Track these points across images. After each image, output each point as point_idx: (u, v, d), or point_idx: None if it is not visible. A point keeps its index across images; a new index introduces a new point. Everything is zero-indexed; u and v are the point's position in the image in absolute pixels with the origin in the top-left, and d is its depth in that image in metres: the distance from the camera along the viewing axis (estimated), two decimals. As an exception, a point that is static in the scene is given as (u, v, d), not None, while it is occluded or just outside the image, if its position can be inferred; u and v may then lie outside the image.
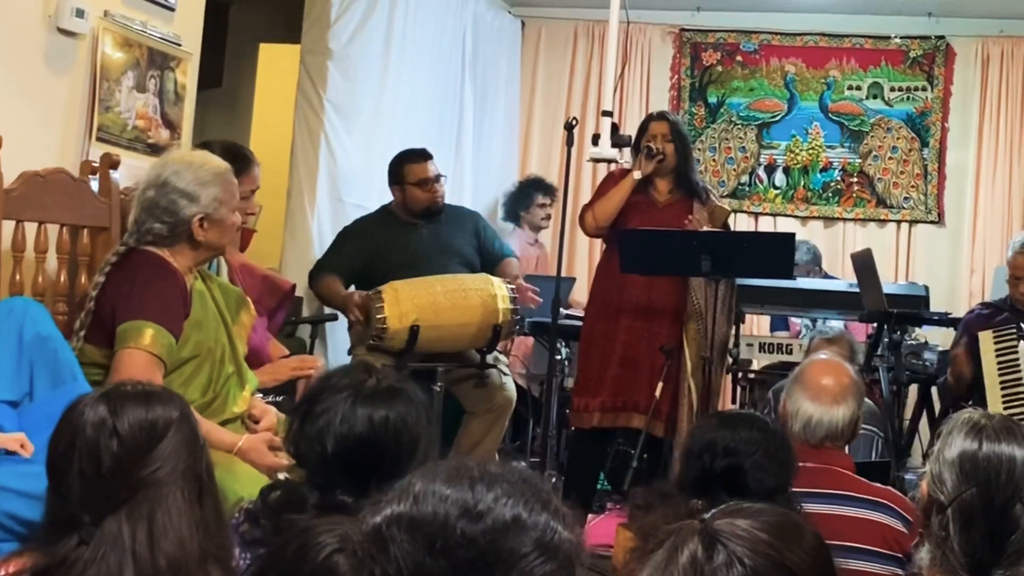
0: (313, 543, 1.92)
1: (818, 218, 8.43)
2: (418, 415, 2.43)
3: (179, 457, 2.07)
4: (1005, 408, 5.01)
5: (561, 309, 5.76)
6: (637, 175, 5.36)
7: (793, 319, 7.33)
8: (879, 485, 3.34)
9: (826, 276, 7.51)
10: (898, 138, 8.34)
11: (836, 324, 7.00)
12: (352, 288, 5.55)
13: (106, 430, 2.04)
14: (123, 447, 2.03)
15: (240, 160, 4.07)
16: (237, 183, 3.60)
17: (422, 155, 5.74)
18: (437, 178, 5.73)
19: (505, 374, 5.67)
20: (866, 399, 5.38)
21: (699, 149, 8.40)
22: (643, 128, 5.54)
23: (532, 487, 1.38)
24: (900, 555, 3.15)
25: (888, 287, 6.24)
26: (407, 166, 5.71)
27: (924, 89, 8.33)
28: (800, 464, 3.06)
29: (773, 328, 7.58)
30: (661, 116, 5.63)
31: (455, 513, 1.32)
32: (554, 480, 5.53)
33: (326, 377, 2.54)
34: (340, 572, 1.86)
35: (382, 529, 1.34)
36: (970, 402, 4.84)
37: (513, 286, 5.45)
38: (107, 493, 2.01)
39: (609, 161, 5.58)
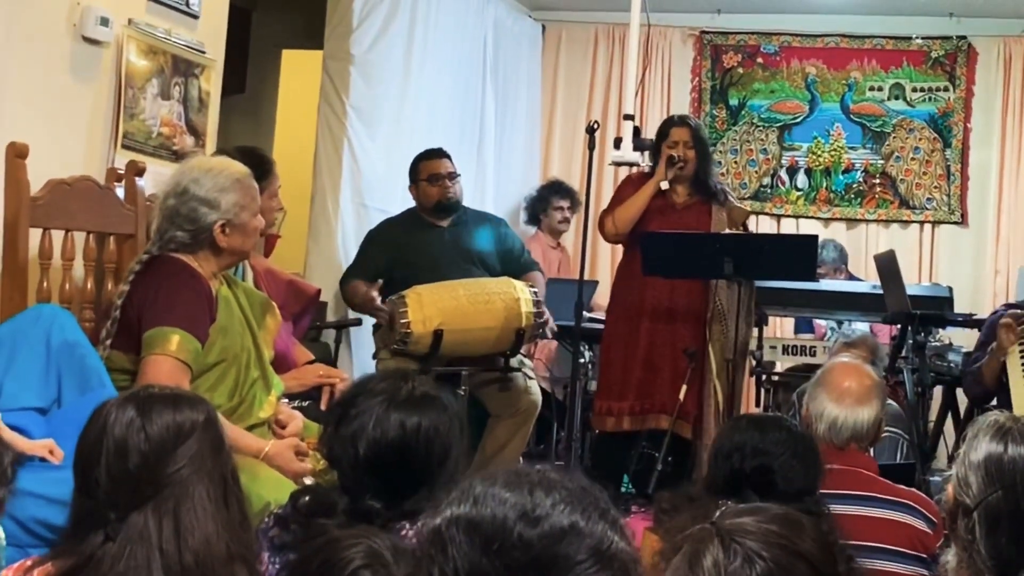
0: (339, 558, 1.93)
1: (841, 220, 8.41)
2: (451, 424, 2.44)
3: (205, 457, 2.08)
4: (1031, 410, 4.98)
5: (584, 312, 5.78)
6: (664, 185, 5.37)
7: (818, 321, 7.31)
8: (903, 487, 3.35)
9: (851, 277, 7.49)
10: (920, 139, 8.31)
11: (861, 327, 6.99)
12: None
13: (134, 428, 2.06)
14: (151, 444, 2.05)
15: (260, 164, 4.09)
16: (257, 187, 3.62)
17: (437, 152, 5.80)
18: (450, 175, 5.75)
19: (530, 378, 5.67)
20: (890, 401, 5.40)
21: (720, 151, 8.39)
22: (663, 132, 5.55)
23: (591, 496, 1.40)
24: (925, 556, 3.16)
25: (912, 288, 6.22)
26: (421, 163, 5.77)
27: (946, 89, 8.31)
28: (826, 466, 3.07)
29: (797, 330, 7.56)
30: (683, 121, 5.64)
31: (513, 516, 1.34)
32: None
33: (362, 381, 2.55)
34: None
35: (442, 530, 1.36)
36: (995, 404, 4.84)
37: (536, 290, 5.46)
38: (133, 489, 2.02)
39: (631, 164, 5.60)
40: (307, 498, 2.41)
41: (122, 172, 4.18)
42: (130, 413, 2.08)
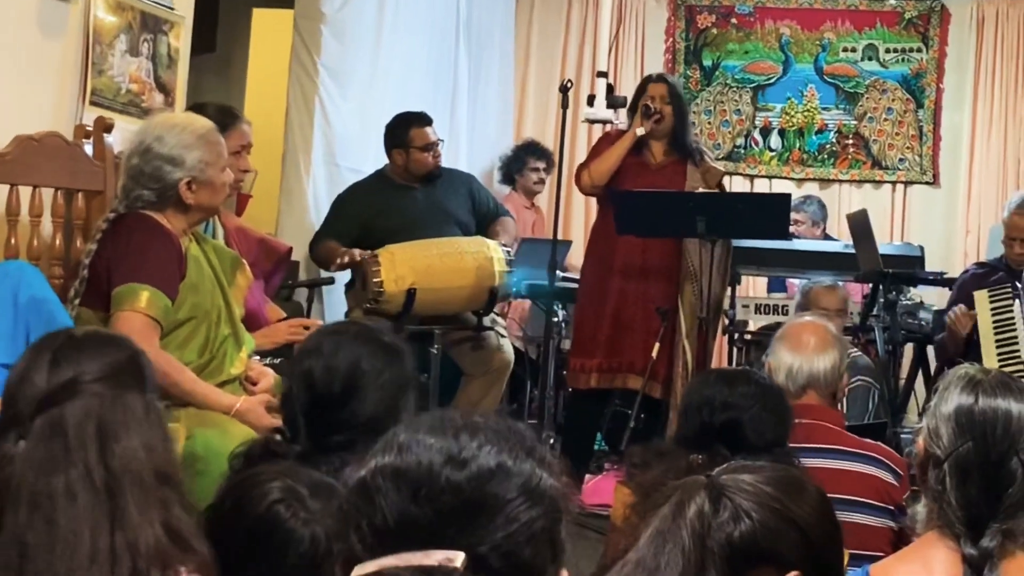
0: (255, 493, 1.92)
1: (813, 180, 8.42)
2: (403, 379, 2.48)
3: (123, 376, 2.03)
4: (1001, 367, 5.02)
5: (557, 272, 5.78)
6: (640, 131, 5.36)
7: (791, 280, 7.33)
8: (869, 440, 3.38)
9: (827, 237, 7.51)
10: (893, 100, 8.32)
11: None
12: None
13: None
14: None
15: (226, 116, 4.05)
16: (224, 142, 3.58)
17: (425, 119, 5.76)
18: (438, 142, 5.75)
19: (503, 336, 5.69)
20: (862, 354, 5.43)
21: (694, 112, 8.36)
22: (641, 89, 5.54)
23: (516, 435, 1.39)
24: (892, 507, 3.19)
25: (884, 248, 6.24)
26: (413, 130, 5.72)
27: (919, 51, 8.31)
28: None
29: (770, 290, 7.58)
30: (660, 78, 5.64)
31: (439, 461, 1.33)
32: (552, 441, 5.54)
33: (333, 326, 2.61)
34: (282, 522, 1.87)
35: (367, 481, 1.35)
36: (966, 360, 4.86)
37: (509, 248, 5.46)
38: (50, 396, 1.97)
39: (604, 122, 5.58)
40: (259, 446, 2.42)
41: (90, 129, 4.14)
42: (62, 338, 2.06)
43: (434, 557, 1.29)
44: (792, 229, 7.18)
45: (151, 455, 1.94)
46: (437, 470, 1.32)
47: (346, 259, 5.35)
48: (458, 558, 1.29)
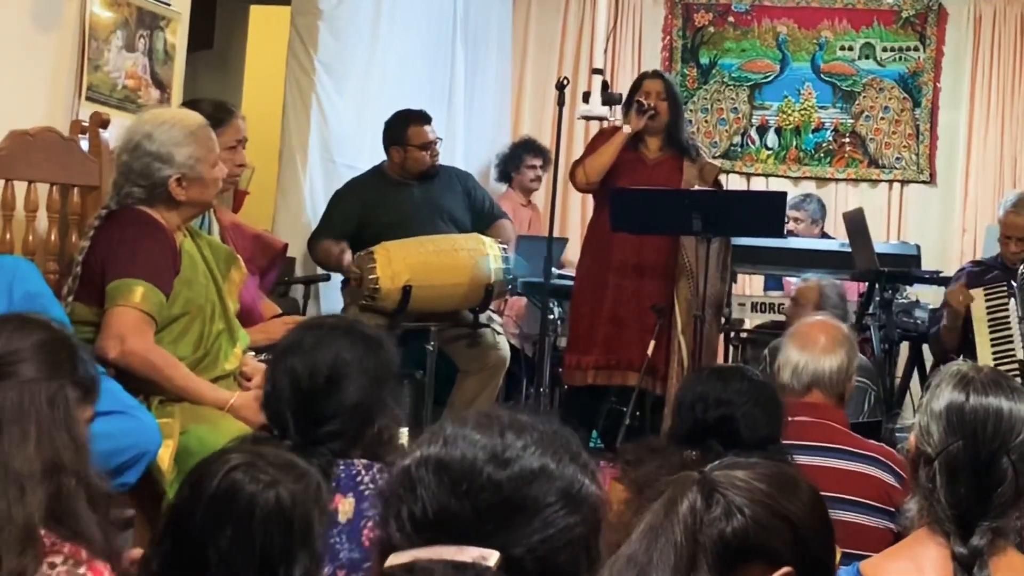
0: (217, 460, 1.94)
1: (810, 178, 8.42)
2: (384, 371, 2.50)
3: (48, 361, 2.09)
4: (996, 366, 5.02)
5: (553, 269, 5.78)
6: (627, 129, 5.36)
7: (788, 279, 7.33)
8: (872, 441, 3.38)
9: (824, 236, 7.51)
10: (890, 98, 8.32)
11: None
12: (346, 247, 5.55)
13: None
14: None
15: (220, 112, 4.05)
16: (215, 137, 3.58)
17: (425, 117, 5.76)
18: (435, 141, 5.76)
19: (499, 333, 5.69)
20: (859, 354, 5.43)
21: (691, 110, 8.37)
22: (636, 86, 5.54)
23: (562, 439, 1.39)
24: (891, 509, 3.18)
25: (880, 246, 6.25)
26: (411, 128, 5.72)
27: (916, 49, 8.31)
28: (794, 418, 3.09)
29: (767, 288, 7.59)
30: (656, 75, 5.66)
31: (483, 457, 1.33)
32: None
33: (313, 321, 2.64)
34: (241, 488, 1.88)
35: (411, 470, 1.35)
36: (961, 357, 4.87)
37: (505, 246, 5.47)
38: None
39: (600, 119, 5.59)
40: (251, 440, 2.42)
41: (86, 124, 4.14)
42: None
43: (468, 553, 1.29)
44: (791, 227, 7.22)
45: (39, 449, 1.98)
46: (480, 466, 1.32)
47: (344, 264, 5.35)
48: (492, 557, 1.29)
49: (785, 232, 7.08)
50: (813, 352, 3.38)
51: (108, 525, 2.04)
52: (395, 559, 1.32)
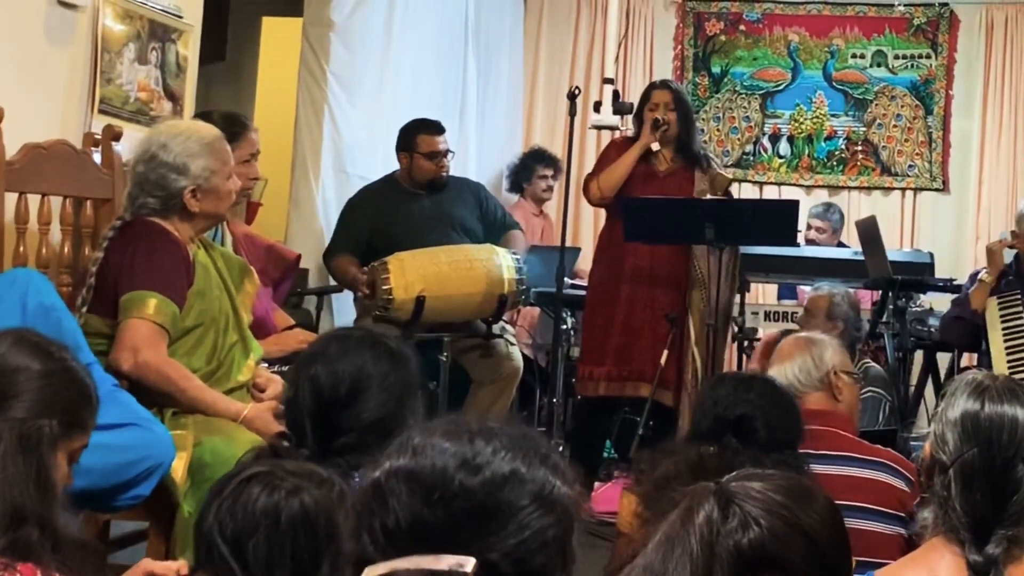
0: (237, 471, 1.94)
1: (823, 187, 8.42)
2: (407, 383, 2.49)
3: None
4: (1010, 373, 5.01)
5: (566, 279, 5.78)
6: (656, 147, 5.37)
7: (801, 287, 7.33)
8: (879, 447, 3.38)
9: (841, 245, 7.51)
10: (902, 106, 8.31)
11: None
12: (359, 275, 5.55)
13: None
14: None
15: (234, 125, 4.06)
16: (230, 149, 3.59)
17: (437, 128, 5.77)
18: (446, 153, 5.75)
19: (512, 344, 5.69)
20: (873, 363, 5.43)
21: (703, 119, 8.37)
22: (646, 96, 5.54)
23: (531, 442, 1.40)
24: (903, 514, 3.18)
25: (893, 254, 6.25)
26: (420, 136, 5.73)
27: (928, 57, 8.30)
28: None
29: (780, 297, 7.59)
30: (664, 85, 5.64)
31: (454, 465, 1.34)
32: (560, 449, 5.54)
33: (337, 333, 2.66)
34: (254, 500, 1.88)
35: (381, 482, 1.35)
36: (976, 367, 4.86)
37: (519, 256, 5.47)
38: None
39: (611, 128, 5.59)
40: (266, 451, 2.43)
41: (99, 137, 4.15)
42: None
43: (445, 561, 1.30)
44: (813, 236, 7.22)
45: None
46: (451, 474, 1.33)
47: (366, 290, 5.35)
48: (469, 563, 1.30)
49: (807, 241, 7.12)
50: (778, 367, 3.50)
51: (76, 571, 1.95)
52: (372, 571, 1.32)
